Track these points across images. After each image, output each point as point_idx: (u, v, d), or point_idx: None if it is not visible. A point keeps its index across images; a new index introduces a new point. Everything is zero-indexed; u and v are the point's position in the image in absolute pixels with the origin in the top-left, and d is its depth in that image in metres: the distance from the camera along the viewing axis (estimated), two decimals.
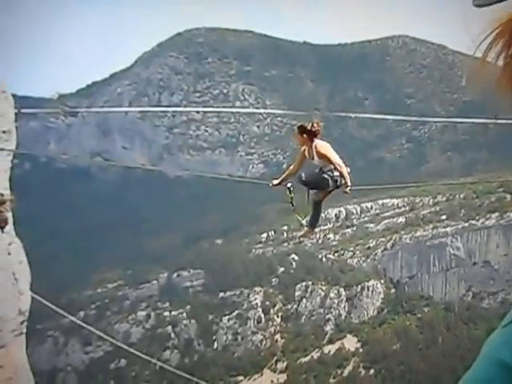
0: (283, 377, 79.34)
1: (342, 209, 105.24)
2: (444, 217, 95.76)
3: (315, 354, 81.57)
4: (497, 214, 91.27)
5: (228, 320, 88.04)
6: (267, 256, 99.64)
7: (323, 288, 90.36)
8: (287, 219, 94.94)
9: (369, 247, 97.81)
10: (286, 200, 9.38)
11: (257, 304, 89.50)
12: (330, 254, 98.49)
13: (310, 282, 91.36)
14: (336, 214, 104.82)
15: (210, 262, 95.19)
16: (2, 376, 11.17)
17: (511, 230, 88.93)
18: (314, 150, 8.81)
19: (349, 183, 8.89)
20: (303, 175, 9.03)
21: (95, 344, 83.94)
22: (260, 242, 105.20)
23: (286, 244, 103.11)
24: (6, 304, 11.36)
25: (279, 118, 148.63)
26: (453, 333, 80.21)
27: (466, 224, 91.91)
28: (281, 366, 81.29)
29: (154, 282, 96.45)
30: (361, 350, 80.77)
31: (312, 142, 8.82)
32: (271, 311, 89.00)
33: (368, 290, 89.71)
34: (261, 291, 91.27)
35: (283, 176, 9.33)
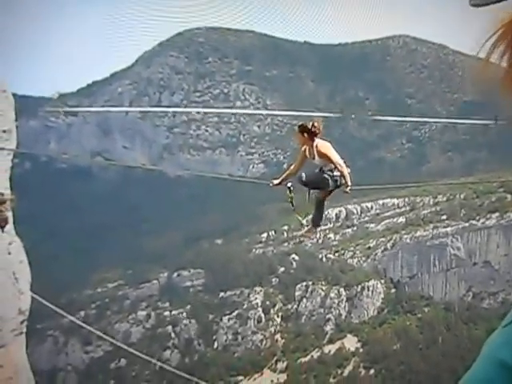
0: (283, 376, 79.36)
1: (342, 209, 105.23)
2: (444, 217, 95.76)
3: (315, 354, 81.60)
4: (497, 214, 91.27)
5: (228, 320, 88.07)
6: (267, 256, 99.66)
7: (323, 288, 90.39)
8: (287, 219, 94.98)
9: (369, 247, 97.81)
10: (286, 200, 9.34)
11: (257, 304, 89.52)
12: (330, 253, 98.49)
13: (310, 282, 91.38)
14: (336, 214, 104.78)
15: (211, 261, 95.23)
16: (2, 375, 11.17)
17: (511, 230, 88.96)
18: (314, 149, 8.80)
19: (349, 183, 8.89)
20: (303, 176, 9.01)
21: (95, 343, 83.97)
22: (260, 242, 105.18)
23: (286, 244, 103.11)
24: (6, 303, 11.36)
25: (280, 118, 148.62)
26: (453, 333, 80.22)
27: (467, 224, 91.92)
28: (281, 365, 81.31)
29: (155, 281, 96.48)
30: (361, 350, 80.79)
31: (313, 141, 8.81)
32: (271, 311, 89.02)
33: (368, 290, 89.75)
34: (261, 291, 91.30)
35: (284, 176, 9.32)
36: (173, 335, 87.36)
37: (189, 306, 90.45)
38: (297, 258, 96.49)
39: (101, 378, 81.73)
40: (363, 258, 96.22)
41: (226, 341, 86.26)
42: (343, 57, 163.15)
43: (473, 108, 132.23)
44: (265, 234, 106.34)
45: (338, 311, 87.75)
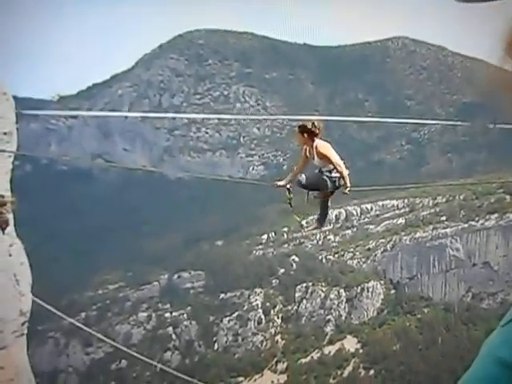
0: (283, 377, 79.37)
1: (342, 210, 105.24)
2: (444, 218, 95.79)
3: (315, 355, 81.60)
4: (496, 215, 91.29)
5: (228, 321, 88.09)
6: (267, 257, 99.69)
7: (323, 289, 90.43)
8: (287, 220, 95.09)
9: (369, 248, 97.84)
10: (285, 201, 9.38)
11: (257, 305, 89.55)
12: (330, 255, 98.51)
13: (310, 283, 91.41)
14: (336, 216, 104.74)
15: (211, 263, 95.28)
16: (3, 377, 11.24)
17: (511, 231, 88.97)
18: (314, 149, 8.81)
19: (348, 184, 8.89)
20: (302, 179, 9.02)
21: (96, 345, 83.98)
22: (260, 244, 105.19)
23: (286, 245, 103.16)
24: (7, 305, 11.43)
25: (280, 120, 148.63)
26: (452, 333, 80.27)
27: (466, 225, 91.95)
28: (281, 366, 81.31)
29: (155, 283, 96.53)
30: (361, 351, 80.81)
31: (313, 141, 8.81)
32: (271, 312, 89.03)
33: (368, 291, 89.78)
34: (261, 292, 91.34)
35: (289, 177, 9.29)
36: (173, 336, 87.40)
37: (189, 308, 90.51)
38: (297, 259, 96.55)
39: (102, 380, 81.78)
40: (363, 259, 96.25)
41: (226, 342, 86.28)
42: (343, 59, 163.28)
43: (472, 109, 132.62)
44: (265, 236, 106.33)
45: (337, 312, 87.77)
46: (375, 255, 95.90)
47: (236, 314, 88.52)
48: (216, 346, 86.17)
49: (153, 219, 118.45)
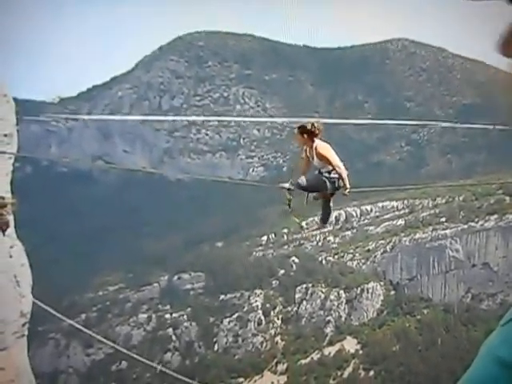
0: (283, 378, 79.36)
1: (341, 211, 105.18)
2: (443, 219, 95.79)
3: (315, 356, 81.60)
4: (496, 216, 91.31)
5: (228, 322, 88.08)
6: (267, 258, 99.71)
7: (323, 290, 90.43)
8: (287, 222, 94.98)
9: (368, 249, 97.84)
10: (284, 202, 9.39)
11: (257, 306, 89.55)
12: (329, 256, 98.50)
13: (310, 285, 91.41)
14: (336, 217, 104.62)
15: (211, 264, 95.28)
16: (3, 378, 11.28)
17: (510, 232, 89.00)
18: (313, 150, 8.84)
19: (348, 185, 8.93)
20: (302, 181, 9.01)
21: (96, 346, 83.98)
22: (260, 245, 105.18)
23: (286, 247, 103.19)
24: (8, 306, 11.48)
25: (279, 122, 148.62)
26: (452, 334, 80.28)
27: (466, 226, 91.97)
28: (281, 367, 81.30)
29: (155, 284, 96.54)
30: (361, 352, 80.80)
31: (312, 142, 8.86)
32: (271, 313, 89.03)
33: (368, 292, 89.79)
34: (261, 293, 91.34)
35: (293, 179, 9.31)
36: (173, 338, 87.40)
37: (189, 309, 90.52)
38: (297, 260, 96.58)
39: (102, 381, 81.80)
40: (363, 261, 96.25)
41: (226, 343, 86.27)
42: (342, 60, 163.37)
43: (472, 111, 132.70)
44: (265, 237, 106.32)
45: (337, 313, 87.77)
46: (375, 256, 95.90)
47: (236, 315, 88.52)
48: (216, 347, 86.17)
49: (153, 221, 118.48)
